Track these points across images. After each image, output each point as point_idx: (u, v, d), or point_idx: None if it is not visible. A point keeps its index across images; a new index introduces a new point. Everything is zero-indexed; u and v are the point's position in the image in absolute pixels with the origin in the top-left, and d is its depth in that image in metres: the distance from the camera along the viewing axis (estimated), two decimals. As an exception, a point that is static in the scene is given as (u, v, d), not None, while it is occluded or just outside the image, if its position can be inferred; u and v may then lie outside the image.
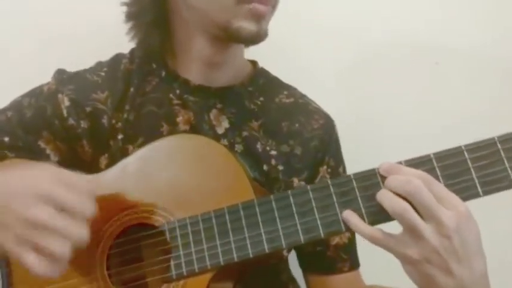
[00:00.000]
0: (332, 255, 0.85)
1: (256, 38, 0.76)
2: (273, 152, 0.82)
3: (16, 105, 0.82)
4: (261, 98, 0.86)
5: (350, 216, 0.62)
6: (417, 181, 0.57)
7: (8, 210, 0.59)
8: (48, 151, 0.80)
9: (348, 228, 0.62)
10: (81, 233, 0.59)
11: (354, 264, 0.87)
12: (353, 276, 0.86)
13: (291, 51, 1.11)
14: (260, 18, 0.75)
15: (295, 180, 0.83)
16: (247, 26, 0.74)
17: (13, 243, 0.58)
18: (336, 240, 0.85)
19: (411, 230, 0.58)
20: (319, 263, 0.86)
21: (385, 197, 0.59)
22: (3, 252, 0.59)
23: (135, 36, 0.85)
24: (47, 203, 0.58)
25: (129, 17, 0.84)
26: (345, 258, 0.85)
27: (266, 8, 0.75)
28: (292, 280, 0.89)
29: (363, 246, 0.85)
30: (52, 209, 0.58)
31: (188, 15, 0.79)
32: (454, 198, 0.57)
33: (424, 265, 0.58)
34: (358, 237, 0.86)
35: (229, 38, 0.76)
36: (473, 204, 0.59)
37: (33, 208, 0.57)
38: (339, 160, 0.89)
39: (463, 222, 0.56)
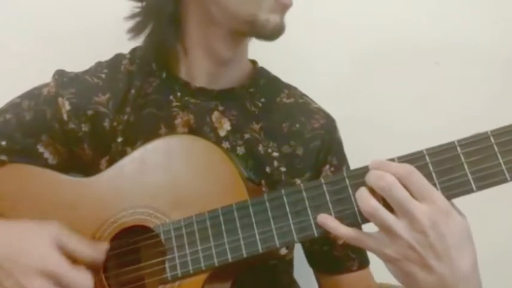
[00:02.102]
0: (339, 255, 0.84)
1: (280, 31, 0.78)
2: (275, 154, 0.82)
3: (14, 108, 0.81)
4: (262, 99, 0.86)
5: (325, 219, 0.62)
6: (389, 177, 0.57)
7: (11, 278, 0.63)
8: (46, 155, 0.80)
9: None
10: None
11: (363, 263, 0.86)
12: (363, 275, 0.85)
13: (293, 50, 1.11)
14: (285, 10, 0.77)
15: (298, 181, 0.82)
16: (274, 18, 0.75)
17: None
18: (342, 239, 0.84)
19: (384, 229, 0.57)
20: (327, 262, 0.86)
21: (358, 198, 0.59)
22: None
23: (141, 32, 0.82)
24: (49, 277, 0.63)
25: (146, 10, 0.81)
26: (353, 257, 0.84)
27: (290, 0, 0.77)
28: (293, 283, 0.89)
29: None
30: (53, 284, 0.63)
31: (211, 10, 0.77)
32: (433, 193, 0.56)
33: (403, 262, 0.57)
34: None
35: (252, 31, 0.77)
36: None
37: (36, 281, 0.62)
38: (342, 159, 0.88)
39: (440, 217, 0.55)
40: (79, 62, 0.86)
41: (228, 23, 0.78)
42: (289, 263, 0.87)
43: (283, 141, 0.83)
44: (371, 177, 0.59)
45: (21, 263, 0.64)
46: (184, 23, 0.82)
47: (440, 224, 0.55)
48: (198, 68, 0.82)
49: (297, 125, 0.85)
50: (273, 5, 0.75)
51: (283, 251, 0.82)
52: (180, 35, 0.83)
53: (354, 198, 0.61)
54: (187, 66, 0.83)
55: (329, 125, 0.87)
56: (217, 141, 0.80)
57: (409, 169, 0.57)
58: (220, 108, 0.82)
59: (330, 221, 0.61)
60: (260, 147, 0.82)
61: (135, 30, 0.83)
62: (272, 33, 0.77)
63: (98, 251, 0.68)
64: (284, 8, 0.77)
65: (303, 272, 0.92)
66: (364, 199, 0.58)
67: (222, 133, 0.81)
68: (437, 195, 0.56)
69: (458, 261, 0.55)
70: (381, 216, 0.57)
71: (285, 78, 0.92)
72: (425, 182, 0.57)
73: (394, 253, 0.57)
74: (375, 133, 1.12)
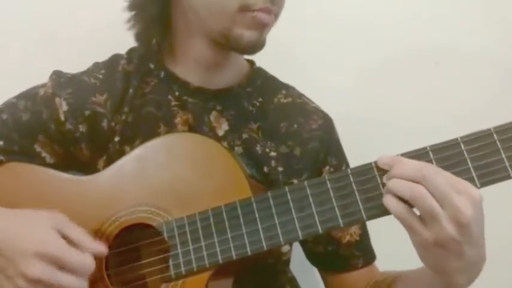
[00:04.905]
0: (345, 254, 0.84)
1: (255, 48, 0.77)
2: (273, 154, 0.82)
3: (11, 108, 0.81)
4: (260, 99, 0.86)
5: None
6: (430, 167, 0.57)
7: (10, 264, 0.62)
8: (43, 154, 0.80)
9: (347, 223, 0.62)
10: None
11: (369, 259, 0.86)
12: (368, 270, 0.86)
13: (293, 50, 1.12)
14: (263, 27, 0.75)
15: (295, 182, 0.82)
16: (248, 34, 0.74)
17: None
18: (347, 238, 0.84)
19: (428, 215, 0.57)
20: (333, 262, 0.86)
21: (397, 185, 0.58)
22: None
23: (134, 27, 0.84)
24: (49, 261, 0.62)
25: (132, 7, 0.83)
26: (357, 255, 0.85)
27: (269, 17, 0.75)
28: (291, 281, 0.89)
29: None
30: (54, 267, 0.62)
31: (190, 17, 0.79)
32: (465, 184, 0.57)
33: (437, 249, 0.57)
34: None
35: (228, 45, 0.76)
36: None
37: (36, 266, 0.61)
38: (341, 158, 0.88)
39: (478, 207, 0.56)
40: (78, 63, 0.86)
41: (207, 34, 0.78)
42: (286, 263, 0.87)
43: (280, 141, 0.83)
44: (406, 170, 0.58)
45: (21, 247, 0.62)
46: (174, 28, 0.83)
47: (478, 214, 0.56)
48: (191, 71, 0.82)
49: (295, 126, 0.85)
50: (249, 22, 0.74)
51: (285, 248, 0.82)
52: (169, 38, 0.84)
53: (358, 195, 0.61)
54: (182, 67, 0.83)
55: (327, 125, 0.88)
56: (216, 140, 0.79)
57: (430, 164, 0.58)
58: (218, 108, 0.83)
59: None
60: (258, 147, 0.82)
61: (129, 22, 0.84)
62: (247, 48, 0.76)
63: (99, 245, 0.67)
64: (261, 25, 0.75)
65: (303, 272, 0.92)
66: (408, 184, 0.58)
67: (220, 133, 0.82)
68: (470, 185, 0.57)
69: (482, 243, 0.59)
70: (428, 202, 0.56)
71: (285, 77, 0.92)
72: (452, 174, 0.58)
73: (430, 238, 0.57)
74: (375, 133, 1.12)
